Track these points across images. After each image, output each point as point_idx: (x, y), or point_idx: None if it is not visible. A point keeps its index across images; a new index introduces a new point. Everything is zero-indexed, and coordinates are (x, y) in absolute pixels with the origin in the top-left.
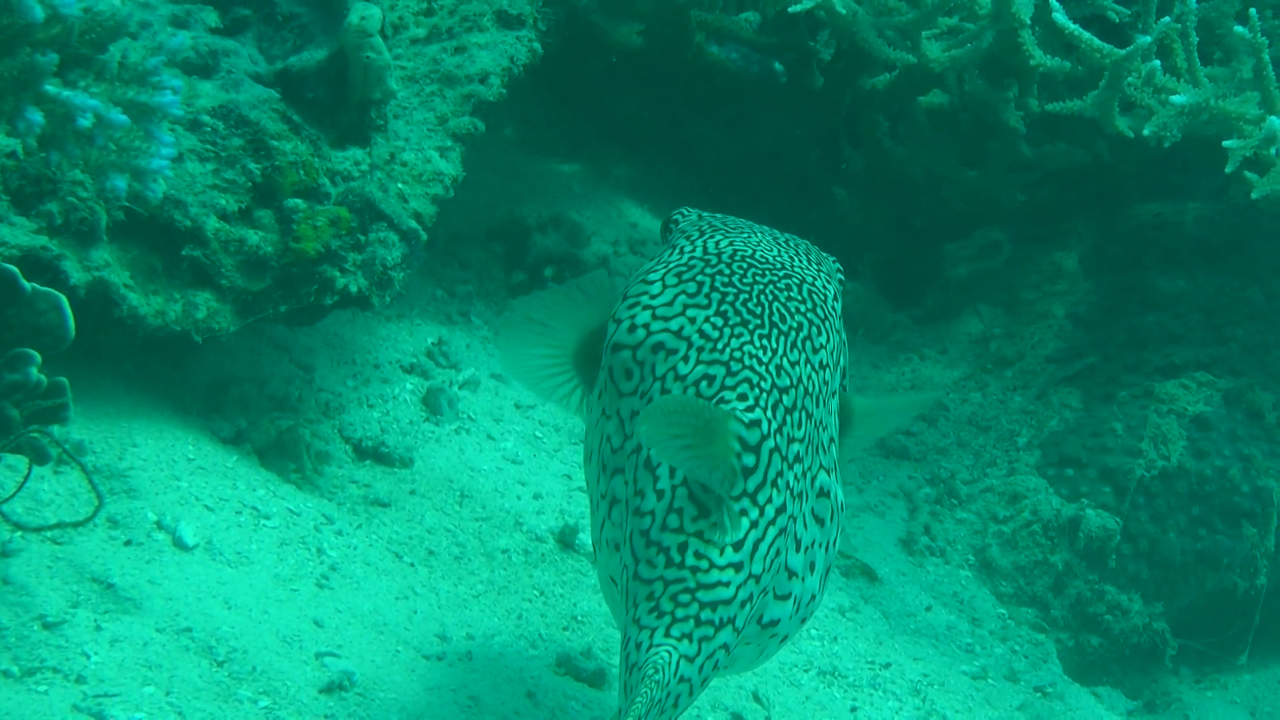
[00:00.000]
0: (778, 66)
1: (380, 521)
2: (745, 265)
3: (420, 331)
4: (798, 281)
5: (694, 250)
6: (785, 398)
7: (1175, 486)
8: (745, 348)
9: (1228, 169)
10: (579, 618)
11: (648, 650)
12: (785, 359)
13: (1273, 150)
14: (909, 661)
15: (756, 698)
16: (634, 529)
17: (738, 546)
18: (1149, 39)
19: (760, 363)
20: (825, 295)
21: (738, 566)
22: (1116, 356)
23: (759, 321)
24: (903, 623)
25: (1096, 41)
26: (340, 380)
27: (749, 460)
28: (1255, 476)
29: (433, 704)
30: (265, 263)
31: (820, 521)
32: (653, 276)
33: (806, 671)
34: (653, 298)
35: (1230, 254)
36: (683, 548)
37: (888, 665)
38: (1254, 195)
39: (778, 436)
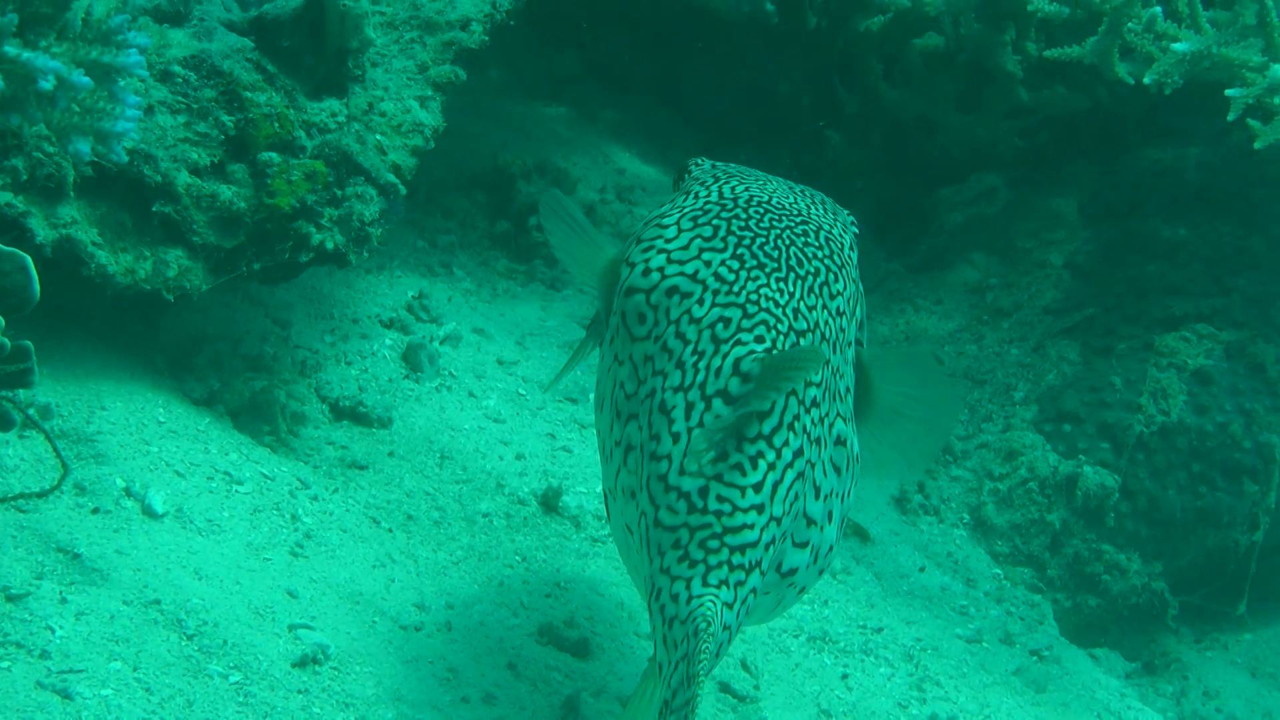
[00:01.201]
0: (769, 6)
1: (357, 485)
2: (762, 210)
3: (401, 284)
4: (814, 228)
5: (709, 195)
6: (803, 341)
7: (1175, 443)
8: (762, 290)
9: (1230, 117)
10: (562, 584)
11: (688, 601)
12: (803, 303)
13: (1276, 99)
14: (902, 625)
15: (745, 665)
16: (650, 474)
17: (758, 488)
18: None
19: (777, 305)
20: (842, 243)
21: (760, 508)
22: (1116, 308)
23: (776, 265)
24: (895, 584)
25: None
26: (318, 336)
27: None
28: (1257, 432)
29: (410, 677)
30: (238, 219)
31: (838, 470)
32: (667, 220)
33: (796, 637)
34: (668, 241)
35: (1232, 201)
36: (704, 491)
37: (880, 629)
38: (1257, 145)
39: None
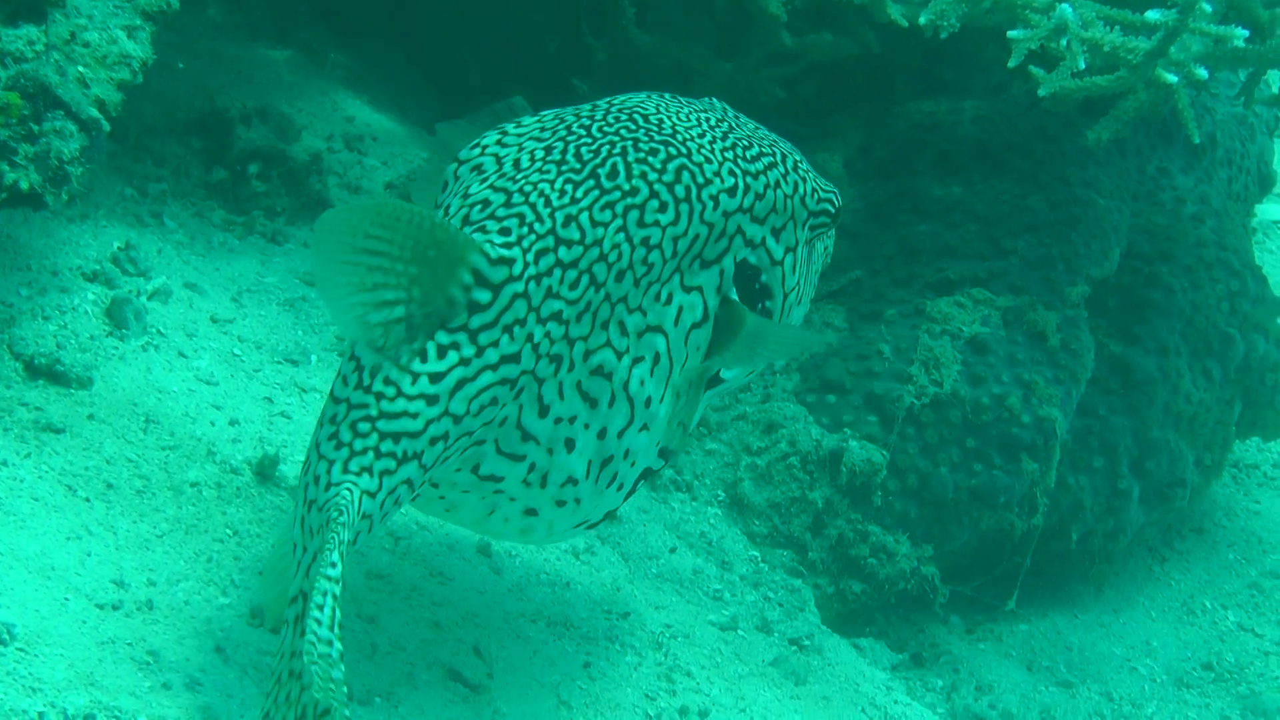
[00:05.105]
0: None
1: (52, 450)
2: (622, 118)
3: (106, 234)
4: (672, 153)
5: (612, 101)
6: (564, 251)
7: (948, 416)
8: (540, 185)
9: (1011, 63)
10: None
11: (327, 488)
12: (587, 213)
13: (1063, 42)
14: (650, 610)
15: (477, 651)
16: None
17: (436, 378)
18: None
19: (548, 204)
20: (703, 183)
21: (431, 399)
22: (885, 271)
23: (578, 167)
24: (644, 566)
25: None
26: (12, 289)
27: (482, 296)
28: (1037, 405)
29: (105, 660)
30: None
31: (591, 401)
32: (547, 113)
33: (535, 622)
34: (518, 125)
35: (1011, 157)
36: (375, 369)
37: (626, 615)
38: (1041, 92)
39: (531, 284)
